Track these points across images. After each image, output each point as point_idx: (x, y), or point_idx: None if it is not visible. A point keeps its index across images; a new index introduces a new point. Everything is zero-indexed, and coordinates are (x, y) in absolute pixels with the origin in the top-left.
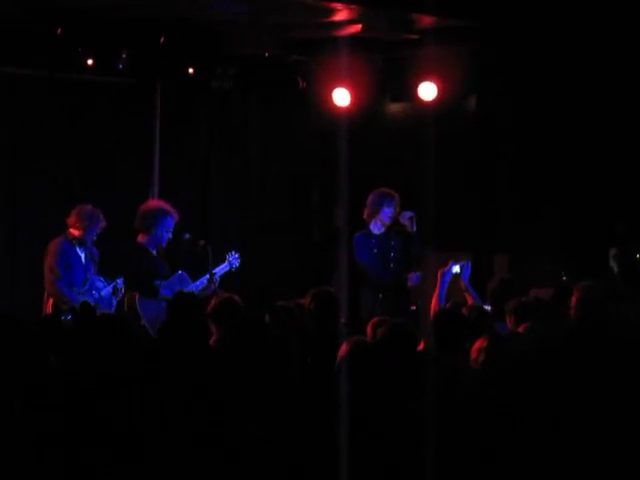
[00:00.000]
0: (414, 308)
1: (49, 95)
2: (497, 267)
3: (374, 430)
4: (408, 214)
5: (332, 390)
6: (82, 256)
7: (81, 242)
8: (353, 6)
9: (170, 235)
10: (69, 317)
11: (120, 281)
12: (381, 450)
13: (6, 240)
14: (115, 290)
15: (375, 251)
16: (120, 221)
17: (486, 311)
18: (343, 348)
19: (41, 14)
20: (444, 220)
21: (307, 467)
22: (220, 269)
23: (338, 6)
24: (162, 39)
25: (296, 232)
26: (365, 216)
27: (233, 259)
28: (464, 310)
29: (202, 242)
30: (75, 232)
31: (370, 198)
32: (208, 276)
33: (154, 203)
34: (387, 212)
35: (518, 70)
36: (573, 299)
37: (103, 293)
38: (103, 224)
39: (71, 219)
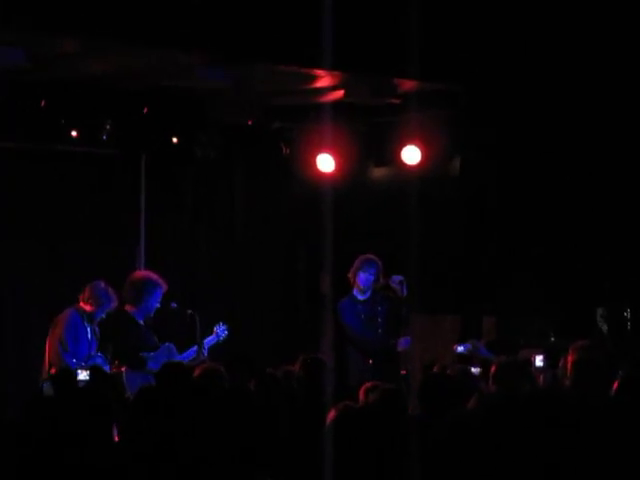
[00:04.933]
0: (404, 372)
1: (32, 166)
2: (485, 328)
3: None
4: (397, 278)
5: (320, 456)
6: (89, 331)
7: (90, 318)
8: (335, 72)
9: (158, 305)
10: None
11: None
12: None
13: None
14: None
15: (362, 317)
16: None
17: (470, 372)
18: (331, 414)
19: (24, 86)
20: (432, 283)
21: None
22: (208, 341)
23: (320, 73)
24: (145, 109)
25: (283, 299)
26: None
27: (220, 330)
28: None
29: (190, 312)
30: (86, 307)
31: (354, 264)
32: (196, 347)
33: (143, 274)
34: (362, 277)
35: (501, 132)
36: (566, 359)
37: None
38: (115, 304)
39: (85, 294)
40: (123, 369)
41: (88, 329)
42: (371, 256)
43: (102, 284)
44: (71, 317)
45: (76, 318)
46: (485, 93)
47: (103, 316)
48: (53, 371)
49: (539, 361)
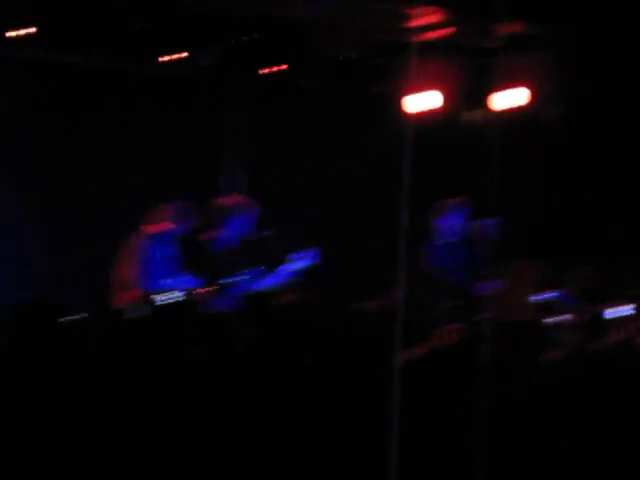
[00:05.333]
0: (487, 316)
1: (130, 90)
2: (576, 278)
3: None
4: (484, 222)
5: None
6: (162, 252)
7: (164, 238)
8: (435, 11)
9: (250, 229)
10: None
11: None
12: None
13: (80, 235)
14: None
15: (444, 259)
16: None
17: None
18: (406, 355)
19: (124, 10)
20: (520, 228)
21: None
22: (297, 266)
23: (419, 11)
24: (245, 37)
25: (366, 236)
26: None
27: (310, 255)
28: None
29: (280, 239)
30: (160, 228)
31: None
32: (286, 272)
33: (228, 199)
34: (444, 224)
35: (599, 78)
36: None
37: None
38: (194, 223)
39: (162, 214)
40: (210, 292)
41: (162, 250)
42: (453, 199)
43: (179, 202)
44: (141, 242)
45: (145, 242)
46: (587, 37)
47: (181, 233)
48: (124, 296)
49: (628, 310)
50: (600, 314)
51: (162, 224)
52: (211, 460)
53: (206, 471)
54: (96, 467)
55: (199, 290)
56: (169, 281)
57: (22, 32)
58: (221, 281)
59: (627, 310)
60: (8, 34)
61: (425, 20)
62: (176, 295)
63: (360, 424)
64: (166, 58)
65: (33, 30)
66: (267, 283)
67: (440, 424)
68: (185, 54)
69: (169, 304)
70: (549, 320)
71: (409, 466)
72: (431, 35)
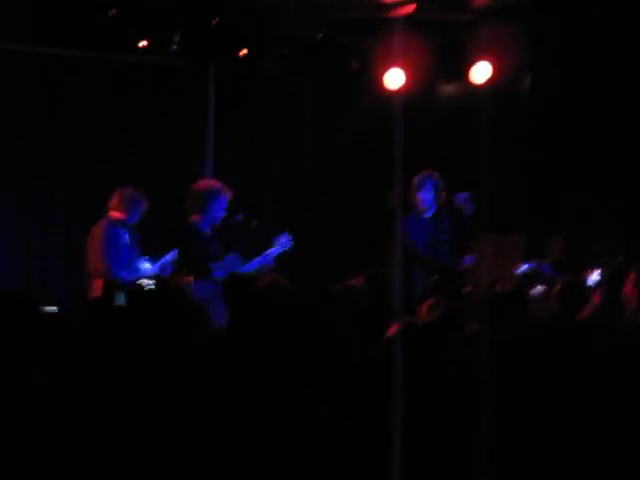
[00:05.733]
0: (468, 289)
1: (102, 76)
2: (551, 248)
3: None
4: (464, 195)
5: (383, 370)
6: (126, 238)
7: (124, 224)
8: None
9: (224, 214)
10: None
11: (167, 258)
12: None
13: (59, 228)
14: (162, 269)
15: (427, 234)
16: (172, 203)
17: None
18: (393, 328)
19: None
20: (498, 201)
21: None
22: (273, 251)
23: None
24: (215, 20)
25: (351, 214)
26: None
27: (285, 240)
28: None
29: (255, 223)
30: (117, 215)
31: (413, 180)
32: (261, 258)
33: (207, 182)
34: (420, 197)
35: (572, 46)
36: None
37: (150, 272)
38: (145, 206)
39: (113, 202)
40: (190, 278)
41: (125, 236)
42: (427, 173)
43: (129, 189)
44: (105, 227)
45: (110, 227)
46: (557, 6)
47: (136, 220)
48: (99, 283)
49: (596, 275)
50: (574, 283)
51: (119, 210)
52: (202, 457)
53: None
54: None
55: (179, 276)
56: (142, 267)
57: None
58: (203, 266)
59: (597, 276)
60: None
61: None
62: (152, 282)
63: (354, 403)
64: (140, 44)
65: None
66: (247, 267)
67: (434, 399)
68: (153, 40)
69: (150, 291)
70: (532, 290)
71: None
72: (404, 10)
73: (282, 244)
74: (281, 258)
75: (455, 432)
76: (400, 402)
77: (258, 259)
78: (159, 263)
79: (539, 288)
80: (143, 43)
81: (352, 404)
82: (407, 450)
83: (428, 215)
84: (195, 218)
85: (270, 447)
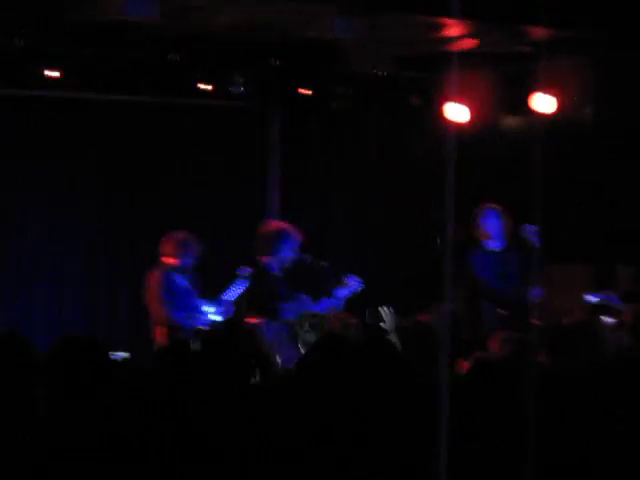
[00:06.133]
0: (537, 323)
1: (163, 120)
2: (620, 278)
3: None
4: (531, 228)
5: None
6: (183, 283)
7: (179, 269)
8: (466, 21)
9: (294, 255)
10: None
11: (227, 296)
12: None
13: (127, 272)
14: (225, 309)
15: (495, 267)
16: (238, 245)
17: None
18: (464, 364)
19: (156, 40)
20: (565, 232)
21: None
22: (342, 292)
23: (450, 21)
24: (277, 61)
25: (416, 250)
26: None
27: (354, 282)
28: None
29: (323, 264)
30: (171, 260)
31: (474, 214)
32: (331, 299)
33: (275, 224)
34: (487, 224)
35: (634, 79)
36: None
37: (211, 315)
38: (198, 248)
39: (166, 248)
40: (260, 319)
41: (182, 281)
42: (488, 204)
43: (180, 233)
44: (160, 276)
45: (164, 275)
46: (619, 40)
47: (193, 262)
48: (163, 331)
49: None
50: None
51: (172, 256)
52: None
53: None
54: None
55: (250, 317)
56: (203, 311)
57: (56, 74)
58: (273, 307)
59: None
60: (45, 73)
61: (457, 30)
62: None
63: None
64: (203, 87)
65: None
66: (316, 308)
67: (493, 439)
68: (220, 82)
69: (218, 334)
70: (604, 320)
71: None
72: (464, 44)
73: (352, 286)
74: (350, 299)
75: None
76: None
77: (327, 300)
78: (221, 304)
79: (609, 320)
80: (206, 87)
81: (419, 445)
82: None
83: (495, 248)
84: (265, 259)
85: None
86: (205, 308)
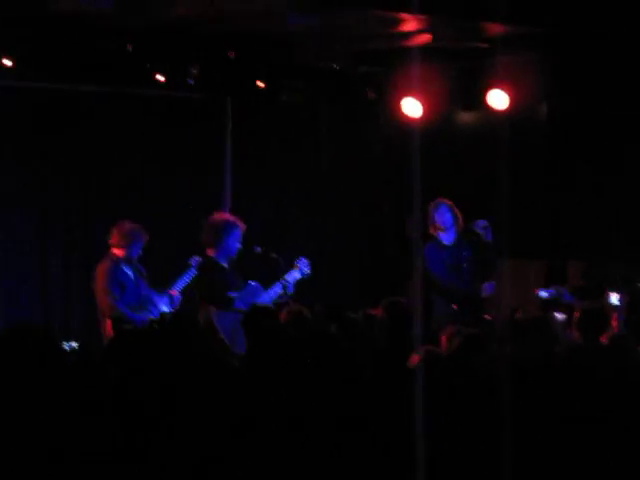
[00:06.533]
0: (489, 318)
1: (118, 110)
2: (570, 274)
3: (449, 439)
4: (482, 223)
5: (404, 400)
6: (130, 274)
7: (127, 260)
8: (421, 16)
9: (239, 246)
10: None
11: (175, 290)
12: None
13: (81, 262)
14: (171, 300)
15: (447, 263)
16: (192, 237)
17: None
18: (414, 358)
19: (111, 31)
20: (517, 228)
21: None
22: (291, 277)
23: (406, 17)
24: (232, 54)
25: (369, 243)
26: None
27: (303, 265)
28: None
29: (273, 255)
30: (119, 252)
31: (427, 208)
32: (281, 285)
33: (219, 216)
34: (439, 218)
35: (588, 75)
36: None
37: (160, 306)
38: (146, 238)
39: (113, 239)
40: (212, 308)
41: (130, 272)
42: (441, 199)
43: (127, 223)
44: (108, 267)
45: (112, 266)
46: (571, 35)
47: (140, 253)
48: (109, 323)
49: (615, 300)
50: (593, 310)
51: (119, 246)
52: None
53: None
54: None
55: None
56: (152, 302)
57: (8, 63)
58: (225, 297)
59: (615, 301)
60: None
61: (413, 25)
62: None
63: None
64: (160, 78)
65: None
66: (268, 295)
67: (462, 431)
68: (170, 75)
69: (167, 321)
70: (555, 316)
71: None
72: (420, 39)
73: (300, 270)
74: (300, 288)
75: (478, 463)
76: (422, 432)
77: (277, 285)
78: (169, 296)
79: (560, 316)
80: (160, 78)
81: (372, 438)
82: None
83: (448, 243)
84: (211, 252)
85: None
86: (153, 300)
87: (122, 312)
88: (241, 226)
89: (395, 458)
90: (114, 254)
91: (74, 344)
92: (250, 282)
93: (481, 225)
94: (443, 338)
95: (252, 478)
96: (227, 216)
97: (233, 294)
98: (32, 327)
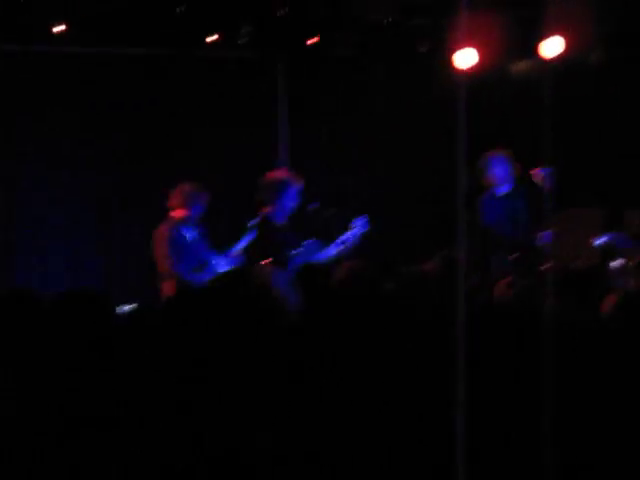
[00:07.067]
0: (547, 267)
1: (172, 73)
2: (628, 222)
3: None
4: (543, 171)
5: (454, 354)
6: (190, 236)
7: (187, 222)
8: None
9: (296, 204)
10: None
11: (237, 248)
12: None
13: (140, 225)
14: (232, 262)
15: (502, 212)
16: (249, 197)
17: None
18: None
19: None
20: (576, 177)
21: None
22: (351, 234)
23: None
24: (283, 10)
25: (426, 198)
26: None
27: (361, 223)
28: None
29: (332, 210)
30: (179, 213)
31: (479, 162)
32: (339, 243)
33: (276, 173)
34: (494, 174)
35: None
36: None
37: (220, 267)
38: (206, 199)
39: (173, 201)
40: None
41: (189, 234)
42: (496, 150)
43: (188, 185)
44: (167, 232)
45: (172, 231)
46: None
47: (201, 213)
48: (169, 285)
49: None
50: None
51: (180, 208)
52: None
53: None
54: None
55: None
56: (213, 263)
57: (60, 28)
58: (282, 255)
59: None
60: (53, 29)
61: None
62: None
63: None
64: (207, 40)
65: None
66: (327, 253)
67: (507, 391)
68: (223, 35)
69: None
70: (612, 264)
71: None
72: None
73: (359, 226)
74: (360, 243)
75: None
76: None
77: (336, 243)
78: (229, 257)
79: (618, 261)
80: (212, 38)
81: (423, 393)
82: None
83: (503, 193)
84: (267, 210)
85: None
86: (215, 260)
87: (180, 275)
88: (298, 183)
89: (437, 414)
90: (173, 217)
91: (130, 307)
92: (307, 240)
93: (542, 173)
94: (497, 288)
95: (306, 432)
96: (283, 174)
97: (290, 252)
98: (86, 293)
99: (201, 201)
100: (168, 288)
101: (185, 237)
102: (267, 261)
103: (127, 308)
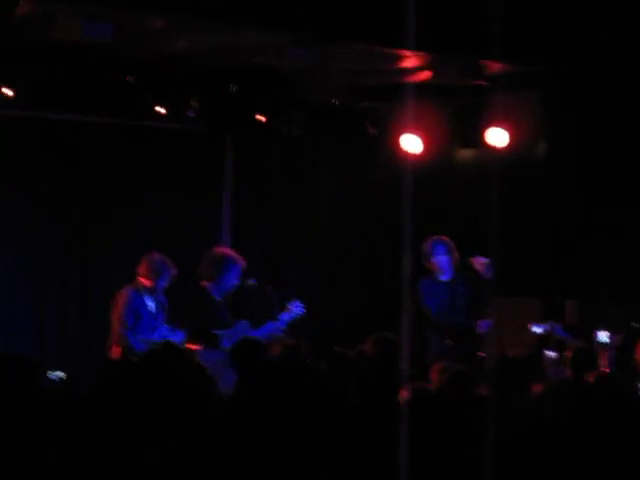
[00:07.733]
0: (482, 355)
1: (120, 143)
2: (566, 312)
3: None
4: (483, 260)
5: (392, 436)
6: (152, 305)
7: (151, 291)
8: (421, 53)
9: (237, 282)
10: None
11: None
12: None
13: (77, 291)
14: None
15: (442, 298)
16: (190, 269)
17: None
18: (404, 393)
19: (111, 62)
20: (513, 266)
21: None
22: (284, 317)
23: (407, 53)
24: (232, 87)
25: (365, 279)
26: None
27: (296, 307)
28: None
29: (268, 287)
30: (145, 282)
31: (423, 247)
32: (272, 325)
33: (221, 249)
34: (439, 261)
35: (588, 115)
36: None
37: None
38: (174, 272)
39: (141, 268)
40: (198, 346)
41: (151, 303)
42: (438, 237)
43: (157, 255)
44: (129, 295)
45: (133, 295)
46: (572, 75)
47: (165, 286)
48: (117, 350)
49: (604, 337)
50: (586, 348)
51: (147, 277)
52: None
53: None
54: None
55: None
56: (156, 334)
57: (10, 92)
58: (212, 334)
59: (605, 338)
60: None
61: (413, 62)
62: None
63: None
64: (159, 110)
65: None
66: (257, 334)
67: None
68: (171, 107)
69: (152, 354)
70: (547, 353)
71: None
72: (420, 76)
73: (294, 311)
74: (293, 324)
75: None
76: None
77: (269, 325)
78: (172, 330)
79: (551, 354)
80: (160, 110)
81: (358, 471)
82: None
83: (444, 279)
84: (207, 284)
85: None
86: (168, 333)
87: (130, 343)
88: (241, 262)
89: None
90: (139, 282)
91: (61, 374)
92: (240, 320)
93: (481, 262)
94: (433, 373)
95: None
96: (228, 251)
97: (221, 331)
98: (17, 356)
99: (168, 274)
100: (116, 352)
101: (146, 305)
102: (194, 346)
103: (58, 374)
